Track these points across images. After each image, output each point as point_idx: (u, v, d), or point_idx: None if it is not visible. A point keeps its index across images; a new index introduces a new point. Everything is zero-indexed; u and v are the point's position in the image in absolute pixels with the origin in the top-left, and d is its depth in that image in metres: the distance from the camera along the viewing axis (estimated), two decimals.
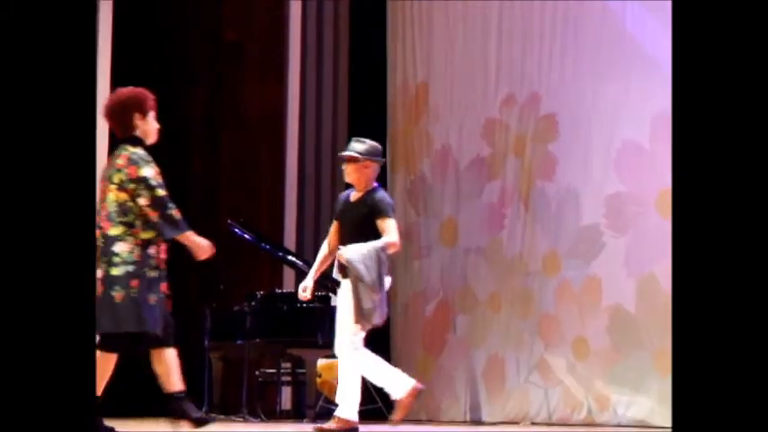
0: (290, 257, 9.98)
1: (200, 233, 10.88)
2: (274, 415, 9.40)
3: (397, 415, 6.90)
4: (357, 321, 6.75)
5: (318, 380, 9.20)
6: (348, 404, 6.84)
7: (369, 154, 7.03)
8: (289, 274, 10.57)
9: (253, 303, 9.11)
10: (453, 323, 10.21)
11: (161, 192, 5.68)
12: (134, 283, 5.52)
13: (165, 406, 5.80)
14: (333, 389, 9.60)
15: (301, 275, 10.38)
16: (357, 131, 11.15)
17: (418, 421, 10.09)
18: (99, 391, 5.66)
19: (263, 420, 8.96)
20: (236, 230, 9.55)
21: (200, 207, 10.98)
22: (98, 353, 5.61)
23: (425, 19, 10.76)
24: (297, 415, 9.48)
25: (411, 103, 10.79)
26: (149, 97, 5.83)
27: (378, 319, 6.77)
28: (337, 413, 6.85)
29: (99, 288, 5.51)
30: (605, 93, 9.40)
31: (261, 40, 11.10)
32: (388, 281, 6.95)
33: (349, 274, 6.77)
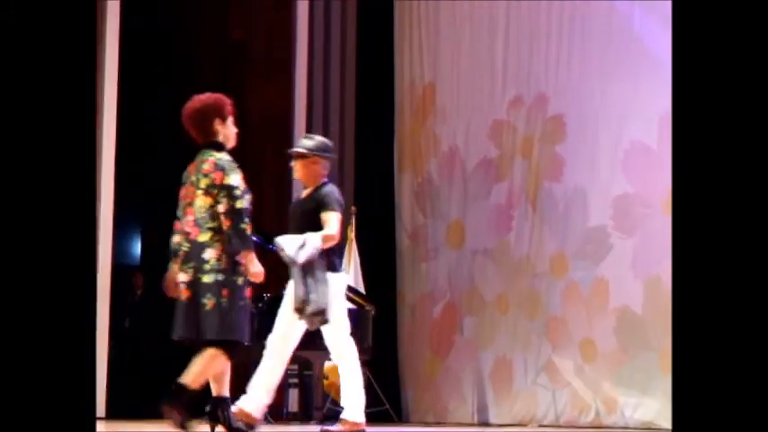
0: None
1: None
2: (281, 417, 9.39)
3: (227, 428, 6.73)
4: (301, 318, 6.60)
5: (325, 382, 9.19)
6: (354, 405, 6.74)
7: (317, 150, 6.90)
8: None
9: (260, 305, 9.09)
10: (460, 325, 10.20)
11: (240, 203, 5.66)
12: (225, 292, 5.53)
13: (210, 409, 5.80)
14: (340, 391, 9.63)
15: None
16: (364, 132, 11.19)
17: (426, 423, 10.09)
18: (221, 391, 5.76)
19: (270, 422, 8.95)
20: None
21: None
22: (213, 351, 5.64)
23: (432, 19, 10.75)
24: (304, 417, 9.47)
25: (418, 104, 10.78)
26: (227, 102, 5.88)
27: (321, 314, 6.51)
28: (344, 415, 6.79)
29: (185, 293, 5.53)
30: (613, 93, 9.39)
31: (267, 39, 11.10)
32: (344, 277, 6.78)
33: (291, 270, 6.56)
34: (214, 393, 5.74)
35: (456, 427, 9.72)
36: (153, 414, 9.31)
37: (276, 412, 9.36)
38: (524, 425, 9.57)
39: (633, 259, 9.12)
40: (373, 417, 9.64)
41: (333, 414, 9.43)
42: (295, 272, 6.45)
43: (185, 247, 5.57)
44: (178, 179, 11.04)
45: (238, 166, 5.69)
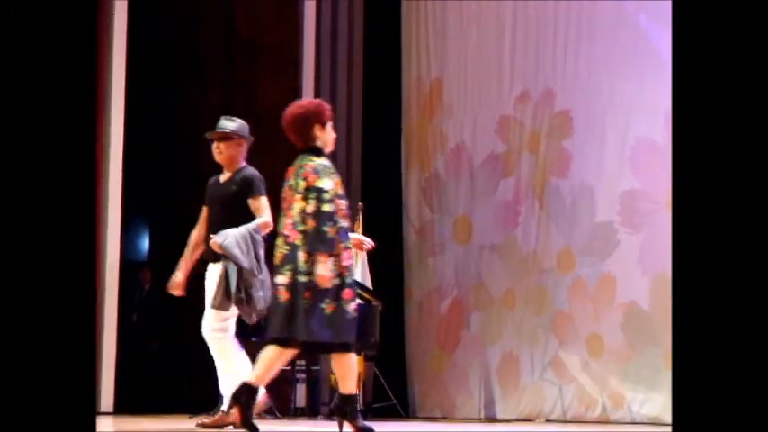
0: None
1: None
2: (289, 411, 9.41)
3: (211, 420, 6.67)
4: (218, 306, 6.58)
5: (333, 377, 9.19)
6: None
7: (242, 132, 6.88)
8: None
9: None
10: (467, 320, 10.21)
11: (327, 207, 5.67)
12: (307, 294, 5.59)
13: (336, 405, 5.86)
14: None
15: None
16: (371, 128, 11.20)
17: (433, 418, 10.11)
18: (263, 382, 5.82)
19: (277, 417, 8.97)
20: None
21: None
22: (277, 348, 5.73)
23: (440, 15, 10.76)
24: (311, 412, 9.50)
25: (425, 101, 10.78)
26: (327, 108, 5.93)
27: (260, 305, 6.49)
28: (224, 407, 6.57)
29: (284, 295, 5.60)
30: (620, 89, 9.40)
31: (275, 36, 11.10)
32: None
33: (222, 258, 6.54)
34: (342, 391, 5.79)
35: (463, 422, 9.74)
36: (160, 409, 9.37)
37: (284, 407, 9.38)
38: (531, 420, 9.58)
39: (640, 255, 9.13)
40: (380, 412, 9.67)
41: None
42: (225, 268, 6.44)
43: (284, 249, 5.65)
44: (186, 175, 11.14)
45: (333, 172, 5.75)
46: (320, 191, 5.59)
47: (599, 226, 9.45)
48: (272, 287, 5.74)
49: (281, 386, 9.73)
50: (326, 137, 5.86)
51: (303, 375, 9.62)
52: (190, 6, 11.08)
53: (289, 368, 9.50)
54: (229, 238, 6.51)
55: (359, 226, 10.06)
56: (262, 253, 6.58)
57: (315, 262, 5.55)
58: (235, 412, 5.65)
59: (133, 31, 10.00)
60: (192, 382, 10.25)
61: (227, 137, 6.85)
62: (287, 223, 5.67)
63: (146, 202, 11.61)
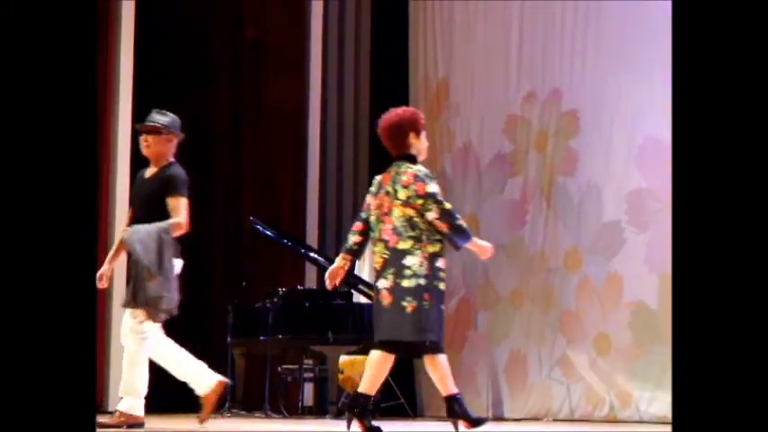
0: (311, 254, 10.01)
1: (223, 230, 10.98)
2: (296, 411, 9.42)
3: (203, 413, 6.69)
4: (124, 305, 6.50)
5: (341, 376, 9.22)
6: (132, 397, 6.51)
7: (173, 127, 6.82)
8: (311, 271, 10.59)
9: (275, 300, 9.14)
10: (475, 319, 10.22)
11: (448, 205, 5.93)
12: (426, 296, 5.71)
13: (447, 408, 6.00)
14: (355, 385, 9.62)
15: (323, 272, 10.43)
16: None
17: (440, 417, 10.10)
18: (374, 390, 5.95)
19: (285, 417, 8.99)
20: (258, 227, 9.58)
21: (223, 204, 11.01)
22: (380, 354, 5.85)
23: (447, 14, 10.76)
24: (319, 411, 9.50)
25: (432, 100, 10.79)
26: (421, 117, 6.10)
27: (165, 305, 6.42)
28: (119, 407, 6.53)
29: (388, 298, 5.75)
30: (627, 88, 9.39)
31: (282, 36, 11.12)
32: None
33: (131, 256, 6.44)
34: (444, 393, 5.94)
35: None
36: (167, 408, 9.37)
37: (291, 407, 9.40)
38: (539, 419, 9.58)
39: (647, 254, 9.13)
40: (388, 411, 9.67)
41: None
42: (142, 265, 6.38)
43: (385, 254, 5.79)
44: (195, 175, 11.09)
45: (434, 177, 5.96)
46: (433, 195, 5.80)
47: (606, 225, 9.45)
48: (374, 291, 5.86)
49: (288, 386, 9.75)
50: (420, 145, 6.01)
51: (311, 375, 9.64)
52: (197, 6, 11.10)
53: (296, 367, 9.53)
54: (135, 233, 6.44)
55: None
56: (169, 254, 6.45)
57: (434, 266, 5.79)
58: (357, 423, 5.85)
59: (140, 32, 10.02)
60: None
61: (156, 130, 6.78)
62: (386, 228, 5.82)
63: None
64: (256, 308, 9.23)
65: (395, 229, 5.77)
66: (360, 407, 5.87)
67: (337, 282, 5.99)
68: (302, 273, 10.65)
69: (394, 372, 9.81)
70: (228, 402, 9.02)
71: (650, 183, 9.17)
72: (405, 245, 5.74)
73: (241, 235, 10.76)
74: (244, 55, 11.13)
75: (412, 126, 5.98)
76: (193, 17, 11.14)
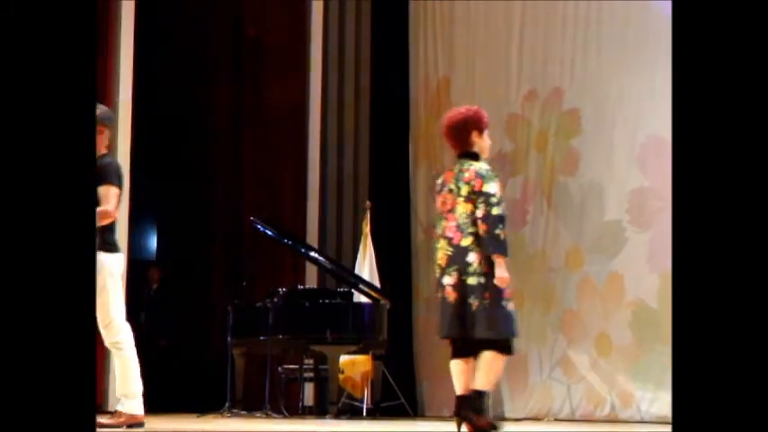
0: (312, 254, 10.00)
1: (224, 230, 10.98)
2: (297, 411, 9.41)
3: (110, 418, 6.63)
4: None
5: (341, 376, 9.21)
6: (130, 398, 6.47)
7: (105, 119, 6.75)
8: (311, 271, 10.59)
9: (275, 300, 9.12)
10: None
11: (497, 210, 5.87)
12: (486, 294, 5.77)
13: (468, 403, 6.02)
14: (356, 385, 9.64)
15: (323, 271, 10.43)
16: (379, 127, 11.20)
17: (441, 417, 10.09)
18: (463, 389, 5.94)
19: (285, 416, 8.97)
20: (259, 227, 9.56)
21: (224, 203, 11.01)
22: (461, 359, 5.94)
23: (447, 13, 10.75)
24: (319, 411, 9.49)
25: (433, 99, 10.77)
26: (485, 116, 6.15)
27: None
28: (119, 407, 6.49)
29: (452, 295, 5.80)
30: (628, 87, 9.38)
31: (282, 35, 11.11)
32: (111, 259, 6.48)
33: None
34: (471, 387, 5.96)
35: None
36: (168, 408, 9.37)
37: (292, 406, 9.38)
38: (540, 419, 9.57)
39: (649, 253, 9.11)
40: (389, 411, 9.66)
41: (348, 408, 9.46)
42: None
43: (449, 251, 5.83)
44: (194, 174, 11.08)
45: (496, 176, 5.89)
46: (488, 195, 5.79)
47: (607, 224, 9.44)
48: (438, 287, 5.89)
49: (289, 385, 9.75)
50: (483, 143, 6.09)
51: (311, 374, 9.62)
52: (197, 6, 11.10)
53: (296, 367, 9.52)
54: None
55: (367, 224, 10.06)
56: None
57: (493, 264, 5.75)
58: (479, 419, 5.90)
59: (140, 31, 10.01)
60: (199, 381, 10.27)
61: None
62: (449, 226, 5.87)
63: (153, 201, 11.63)
64: (256, 308, 9.21)
65: (458, 226, 5.84)
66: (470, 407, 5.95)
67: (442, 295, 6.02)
68: (302, 272, 10.65)
69: (394, 372, 9.88)
70: (229, 402, 9.01)
71: (652, 182, 9.16)
72: (466, 241, 5.81)
73: (241, 235, 10.76)
74: (244, 55, 11.13)
75: (475, 125, 6.06)
76: (193, 17, 11.15)
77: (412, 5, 11.07)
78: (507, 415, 9.85)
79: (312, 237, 10.81)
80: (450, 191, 5.94)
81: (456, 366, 5.98)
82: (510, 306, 5.87)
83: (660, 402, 8.91)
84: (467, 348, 5.96)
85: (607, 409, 9.28)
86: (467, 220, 5.80)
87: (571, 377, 9.52)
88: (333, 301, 9.23)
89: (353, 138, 11.25)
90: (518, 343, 9.87)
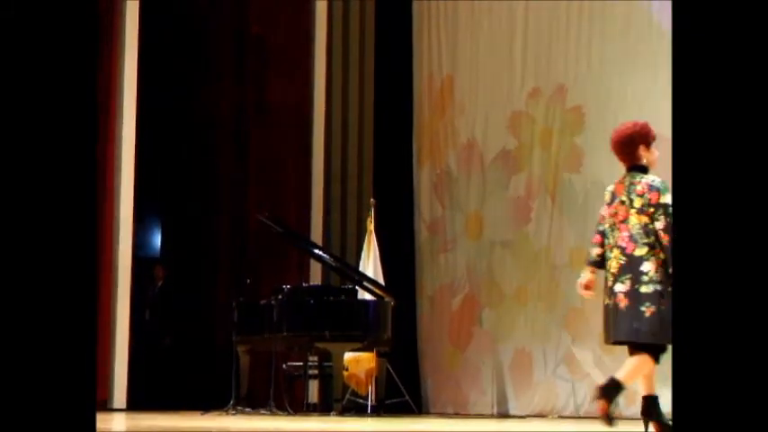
0: (316, 251, 10.01)
1: (228, 228, 10.99)
2: (301, 408, 9.42)
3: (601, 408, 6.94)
4: None
5: (345, 373, 9.21)
6: None
7: None
8: (315, 268, 10.59)
9: (280, 297, 9.13)
10: (480, 316, 10.20)
11: None
12: (664, 302, 5.90)
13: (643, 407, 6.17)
14: (360, 382, 9.65)
15: (328, 269, 10.44)
16: (383, 125, 11.21)
17: (445, 414, 10.10)
18: (651, 389, 6.15)
19: (289, 413, 8.98)
20: (267, 222, 9.56)
21: (228, 200, 11.02)
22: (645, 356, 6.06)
23: (451, 11, 10.75)
24: (324, 408, 9.49)
25: (437, 97, 10.78)
26: (651, 130, 6.29)
27: None
28: None
29: (625, 301, 5.96)
30: (632, 84, 9.38)
31: (286, 34, 11.12)
32: None
33: None
34: (645, 392, 6.17)
35: (476, 418, 9.73)
36: (173, 405, 9.39)
37: (296, 404, 9.39)
38: (544, 416, 9.57)
39: None
40: (393, 408, 9.67)
41: (353, 405, 9.47)
42: None
43: (622, 260, 6.00)
44: (198, 172, 11.11)
45: (668, 187, 6.05)
46: (666, 206, 5.92)
47: None
48: (610, 295, 6.02)
49: (293, 383, 9.76)
50: (651, 156, 6.24)
51: (315, 372, 9.63)
52: (201, 5, 11.11)
53: (301, 364, 9.53)
54: None
55: (371, 222, 10.07)
56: None
57: (668, 273, 5.85)
58: (600, 403, 6.03)
59: (144, 31, 10.03)
60: (204, 379, 10.28)
61: None
62: (622, 236, 6.03)
63: (158, 198, 11.65)
64: (261, 305, 9.22)
65: (631, 237, 6.01)
66: (650, 409, 6.12)
67: (592, 292, 6.22)
68: (307, 270, 10.66)
69: (399, 369, 9.88)
70: (233, 400, 9.02)
71: None
72: (641, 251, 5.96)
73: (246, 233, 10.77)
74: (248, 53, 11.14)
75: (642, 138, 6.23)
76: (197, 16, 11.16)
77: (415, 4, 11.07)
78: (512, 412, 9.86)
79: (316, 234, 10.83)
80: (622, 202, 6.11)
81: (646, 367, 6.11)
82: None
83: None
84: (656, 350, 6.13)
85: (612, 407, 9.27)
86: (640, 231, 5.97)
87: (575, 374, 9.52)
88: (337, 298, 9.24)
89: (357, 136, 11.26)
90: (522, 340, 9.98)
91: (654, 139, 6.21)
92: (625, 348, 9.33)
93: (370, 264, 9.88)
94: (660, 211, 5.92)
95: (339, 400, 8.96)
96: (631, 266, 5.95)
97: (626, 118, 9.39)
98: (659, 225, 5.91)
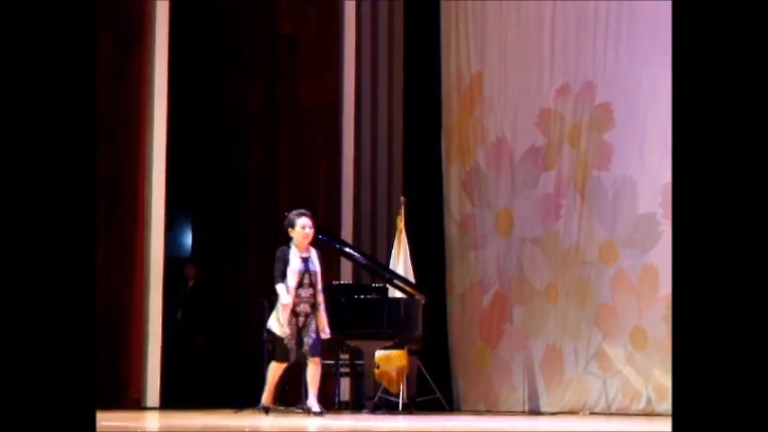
0: (347, 249, 10.03)
1: (259, 226, 11.02)
2: (333, 406, 9.44)
3: None
4: None
5: (377, 371, 9.23)
6: None
7: None
8: (346, 266, 10.62)
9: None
10: (510, 313, 10.21)
11: None
12: None
13: None
14: (391, 380, 9.67)
15: (358, 267, 10.46)
16: (412, 122, 11.22)
17: (477, 412, 10.11)
18: None
19: (321, 412, 9.00)
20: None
21: (258, 200, 11.06)
22: None
23: (479, 9, 10.75)
24: (355, 406, 9.53)
25: (465, 94, 10.78)
26: None
27: None
28: None
29: None
30: (660, 80, 9.35)
31: (316, 32, 11.14)
32: None
33: None
34: None
35: (507, 415, 9.74)
36: (205, 404, 9.44)
37: (328, 402, 9.42)
38: (575, 413, 9.58)
39: None
40: (424, 405, 9.69)
41: (384, 403, 9.49)
42: None
43: None
44: (229, 171, 11.16)
45: None
46: None
47: (641, 218, 9.43)
48: None
49: (324, 381, 9.79)
50: None
51: (347, 369, 9.66)
52: (231, 3, 11.14)
53: (332, 362, 9.56)
54: None
55: (401, 220, 10.09)
56: None
57: None
58: None
59: (175, 29, 10.07)
60: (236, 377, 10.32)
61: None
62: None
63: (189, 198, 11.70)
64: None
65: None
66: None
67: None
68: (338, 268, 10.68)
69: (430, 367, 9.90)
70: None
71: None
72: None
73: (276, 232, 10.79)
74: (278, 52, 11.17)
75: None
76: (228, 14, 11.19)
77: (444, 2, 11.06)
78: (543, 409, 9.87)
79: (347, 233, 10.85)
80: None
81: None
82: None
83: None
84: None
85: (643, 403, 9.28)
86: None
87: (607, 371, 9.52)
88: (368, 296, 9.27)
89: (387, 134, 11.27)
90: (553, 337, 9.99)
91: None
92: (656, 345, 9.36)
93: (401, 262, 9.90)
94: None
95: (371, 398, 8.99)
96: None
97: (655, 114, 9.44)
98: None
